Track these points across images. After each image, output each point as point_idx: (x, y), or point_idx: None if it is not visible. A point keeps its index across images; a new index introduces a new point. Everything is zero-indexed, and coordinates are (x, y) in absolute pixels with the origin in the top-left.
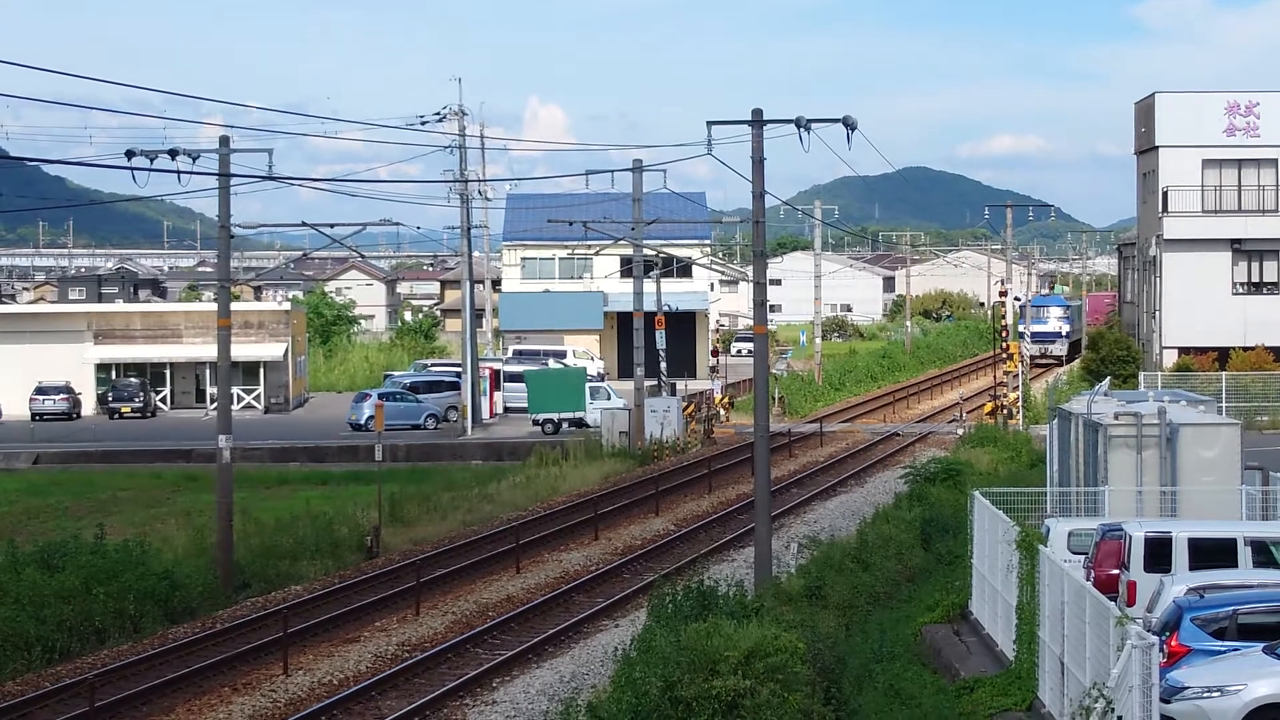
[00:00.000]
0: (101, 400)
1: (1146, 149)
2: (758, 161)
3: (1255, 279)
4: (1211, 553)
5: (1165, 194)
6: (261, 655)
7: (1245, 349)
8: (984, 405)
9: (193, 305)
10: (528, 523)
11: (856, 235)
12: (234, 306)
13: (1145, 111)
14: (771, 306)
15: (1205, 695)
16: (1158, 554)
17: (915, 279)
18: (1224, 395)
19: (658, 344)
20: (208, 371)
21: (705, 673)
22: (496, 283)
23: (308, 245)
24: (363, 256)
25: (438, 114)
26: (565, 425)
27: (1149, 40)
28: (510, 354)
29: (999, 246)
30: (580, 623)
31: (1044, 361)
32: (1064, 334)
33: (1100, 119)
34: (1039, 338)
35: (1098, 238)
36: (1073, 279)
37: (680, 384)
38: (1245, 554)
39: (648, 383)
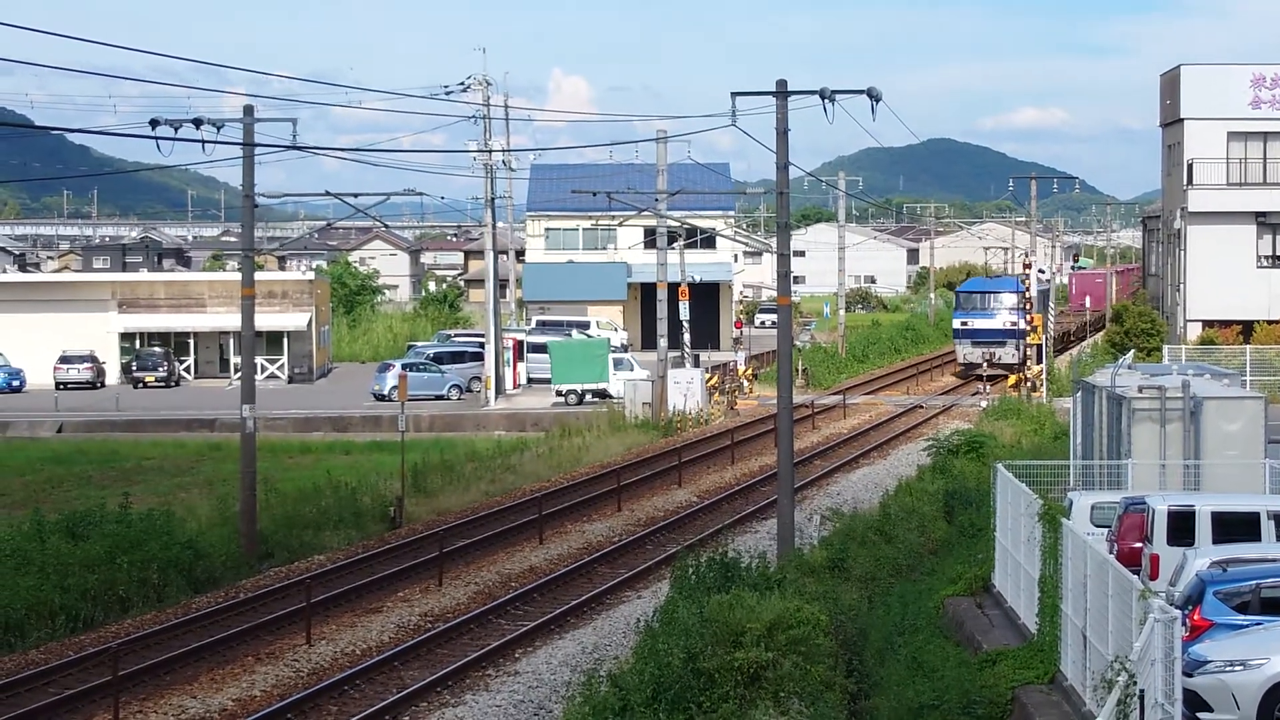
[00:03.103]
0: (125, 369)
1: (1172, 121)
2: (782, 133)
3: None
4: (1235, 526)
5: (1190, 166)
6: (285, 625)
7: (1270, 322)
8: (1008, 378)
9: (216, 275)
10: (551, 494)
11: (880, 207)
12: (258, 276)
13: (1171, 84)
14: (795, 278)
15: (1228, 669)
16: (1181, 527)
17: (939, 251)
18: (1248, 369)
19: (681, 315)
20: (231, 341)
21: (728, 644)
22: (520, 253)
23: (332, 215)
24: (386, 226)
25: (462, 84)
26: (588, 396)
27: (1175, 13)
28: (534, 325)
29: (1023, 219)
30: (603, 594)
31: (987, 373)
32: (1019, 331)
33: (1125, 91)
34: (980, 338)
35: (1122, 210)
36: (1097, 251)
37: (704, 355)
38: (1269, 528)
39: (671, 354)
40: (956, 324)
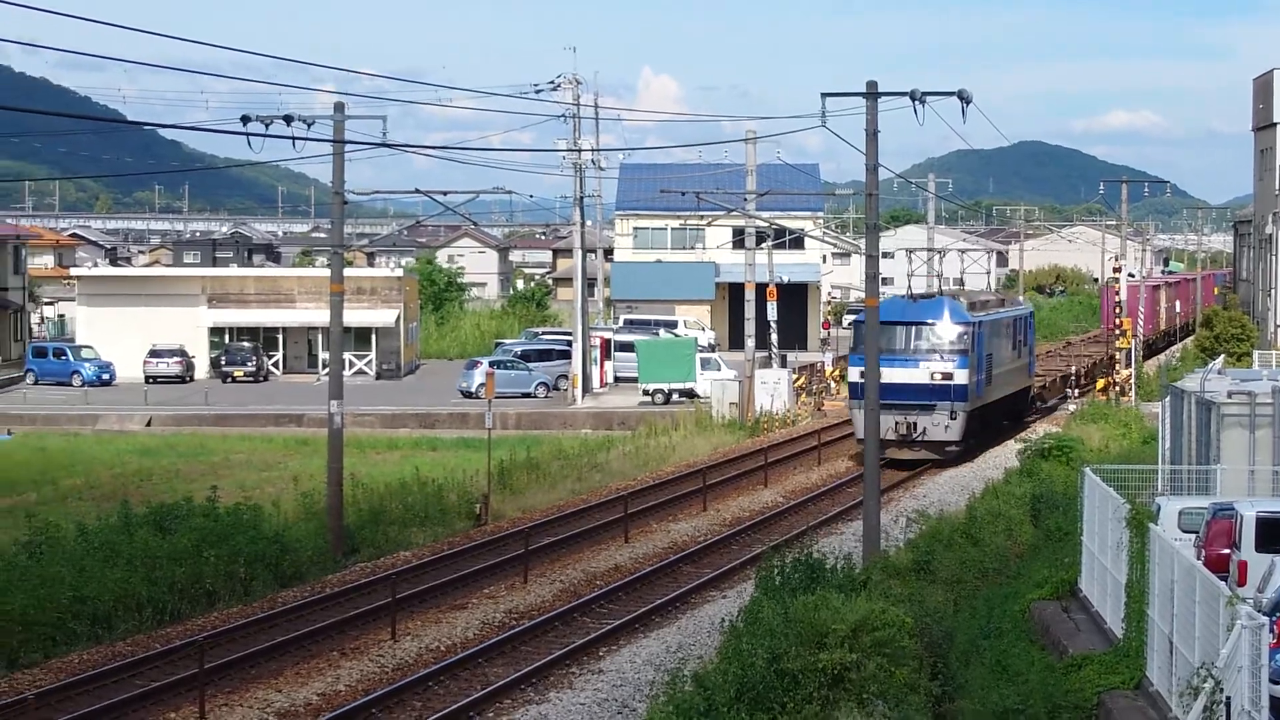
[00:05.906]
0: (214, 364)
1: (1264, 125)
2: (871, 134)
3: None
4: None
5: None
6: (370, 620)
7: None
8: (1096, 381)
9: (305, 270)
10: (636, 492)
11: (970, 209)
12: (347, 272)
13: (1264, 87)
14: (883, 279)
15: None
16: (1269, 534)
17: (1029, 253)
18: None
19: (769, 315)
20: (320, 336)
21: (812, 645)
22: (609, 252)
23: (421, 213)
24: (475, 224)
25: (552, 83)
26: (675, 395)
27: (1271, 16)
28: (621, 323)
29: (1114, 222)
30: (688, 593)
31: (903, 458)
32: (956, 390)
33: (1218, 95)
34: (892, 398)
35: (1214, 214)
36: (1187, 256)
37: (791, 356)
38: None
39: (758, 354)
40: (854, 375)
